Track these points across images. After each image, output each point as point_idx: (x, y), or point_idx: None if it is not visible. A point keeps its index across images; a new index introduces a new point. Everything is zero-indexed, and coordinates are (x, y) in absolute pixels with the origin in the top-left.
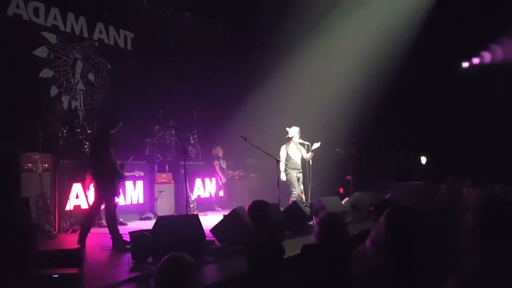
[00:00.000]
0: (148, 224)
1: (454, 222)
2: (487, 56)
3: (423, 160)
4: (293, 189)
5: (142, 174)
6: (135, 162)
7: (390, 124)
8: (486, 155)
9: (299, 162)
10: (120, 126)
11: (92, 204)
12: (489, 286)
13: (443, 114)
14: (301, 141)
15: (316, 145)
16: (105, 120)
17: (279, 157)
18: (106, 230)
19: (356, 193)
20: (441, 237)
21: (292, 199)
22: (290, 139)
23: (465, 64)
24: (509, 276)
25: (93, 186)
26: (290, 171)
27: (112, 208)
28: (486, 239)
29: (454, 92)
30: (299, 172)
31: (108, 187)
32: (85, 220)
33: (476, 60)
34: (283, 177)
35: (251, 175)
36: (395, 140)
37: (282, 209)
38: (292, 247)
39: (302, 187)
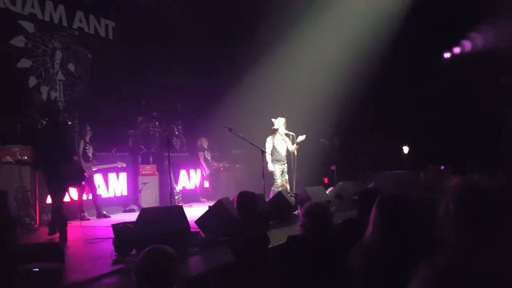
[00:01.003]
0: (132, 217)
1: (432, 211)
2: (467, 45)
3: (406, 149)
4: (275, 180)
5: (124, 165)
6: (118, 153)
7: (373, 115)
8: (467, 145)
9: (284, 153)
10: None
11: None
12: (457, 280)
13: (426, 105)
14: (286, 132)
15: (301, 138)
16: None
17: (265, 148)
18: (88, 222)
19: (340, 183)
20: (421, 227)
21: (274, 189)
22: (276, 130)
23: (447, 54)
24: (481, 271)
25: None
26: (275, 164)
27: (55, 204)
28: (462, 230)
29: (436, 82)
30: (283, 164)
31: (51, 184)
32: (54, 217)
33: (457, 50)
34: (270, 167)
35: (236, 166)
36: (378, 130)
37: (267, 199)
38: (277, 237)
39: (287, 177)
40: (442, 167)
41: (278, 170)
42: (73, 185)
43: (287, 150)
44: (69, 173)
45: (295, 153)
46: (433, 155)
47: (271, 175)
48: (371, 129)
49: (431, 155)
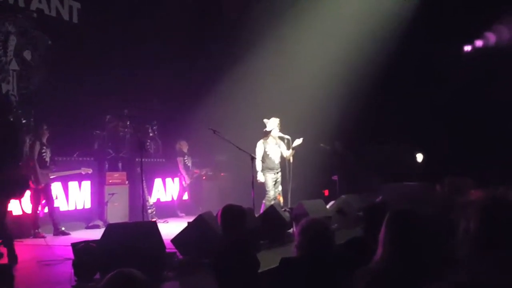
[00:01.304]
0: (96, 234)
1: (450, 230)
2: (491, 38)
3: (419, 157)
4: (267, 191)
5: (90, 171)
6: (81, 158)
7: (382, 117)
8: (490, 152)
9: (277, 160)
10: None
11: None
12: None
13: (443, 106)
14: (281, 134)
15: (298, 142)
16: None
17: (255, 154)
18: (43, 241)
19: (343, 196)
20: (437, 248)
21: (266, 202)
22: (268, 133)
23: (468, 48)
24: None
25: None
26: (266, 172)
27: None
28: (485, 251)
29: (455, 80)
30: (277, 173)
31: None
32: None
33: (479, 43)
34: (260, 177)
35: (221, 174)
36: (388, 134)
37: (257, 214)
38: (269, 260)
39: (280, 188)
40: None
41: (271, 180)
42: (15, 196)
43: (281, 157)
44: (9, 181)
45: (291, 160)
46: (451, 164)
47: (262, 185)
48: (379, 133)
49: (448, 164)
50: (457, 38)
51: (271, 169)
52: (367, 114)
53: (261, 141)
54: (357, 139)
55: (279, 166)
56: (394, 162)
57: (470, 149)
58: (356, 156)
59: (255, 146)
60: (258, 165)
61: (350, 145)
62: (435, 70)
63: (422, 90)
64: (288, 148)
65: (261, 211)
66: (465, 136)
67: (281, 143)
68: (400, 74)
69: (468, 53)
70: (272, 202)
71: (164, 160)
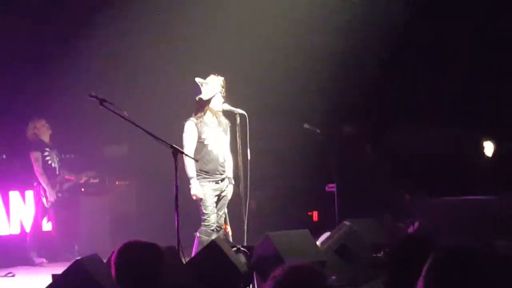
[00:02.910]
0: None
1: None
2: None
3: (489, 148)
4: (206, 214)
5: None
6: None
7: (418, 85)
8: None
9: (222, 156)
10: None
11: None
12: None
13: None
14: (229, 107)
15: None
16: None
17: (181, 145)
18: None
19: (347, 222)
20: None
21: (201, 236)
22: (204, 104)
23: None
24: None
25: None
26: (202, 180)
27: None
28: None
29: None
30: (221, 180)
31: None
32: None
33: None
34: (195, 190)
35: (116, 183)
36: (429, 113)
37: (185, 258)
38: None
39: (225, 210)
40: None
41: (211, 195)
42: None
43: (231, 149)
44: None
45: (249, 156)
46: None
47: (194, 204)
48: (412, 110)
49: None
50: None
51: (211, 173)
52: (388, 77)
53: (192, 120)
54: (374, 120)
55: (224, 166)
56: (440, 158)
57: None
58: (370, 145)
59: (180, 131)
60: (190, 166)
61: (361, 131)
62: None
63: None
64: (245, 134)
65: (194, 251)
66: None
67: (227, 124)
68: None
69: None
70: (214, 236)
71: (4, 156)
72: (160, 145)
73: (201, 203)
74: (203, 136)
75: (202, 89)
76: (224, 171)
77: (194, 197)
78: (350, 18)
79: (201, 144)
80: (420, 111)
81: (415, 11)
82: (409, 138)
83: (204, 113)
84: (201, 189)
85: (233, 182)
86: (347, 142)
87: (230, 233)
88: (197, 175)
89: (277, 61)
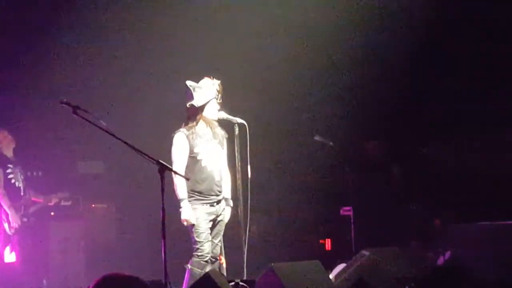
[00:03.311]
0: None
1: None
2: None
3: None
4: (199, 243)
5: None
6: None
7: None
8: None
9: (217, 173)
10: None
11: None
12: None
13: None
14: (226, 116)
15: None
16: None
17: (169, 161)
18: None
19: (365, 252)
20: None
21: (192, 269)
22: (197, 111)
23: None
24: None
25: None
26: (195, 203)
27: None
28: None
29: None
30: (216, 203)
31: None
32: None
33: None
34: (186, 214)
35: (93, 205)
36: (462, 122)
37: None
38: None
39: (220, 238)
40: None
41: (205, 219)
42: None
43: (228, 165)
44: None
45: (249, 175)
46: None
47: (185, 230)
48: (446, 125)
49: None
50: None
51: (205, 194)
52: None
53: (182, 131)
54: (400, 134)
55: (221, 185)
56: (473, 172)
57: None
58: (400, 168)
59: (168, 145)
60: (180, 186)
61: (386, 147)
62: None
63: None
64: (245, 148)
65: (184, 286)
66: None
67: (224, 136)
68: None
69: None
70: (208, 268)
71: None
72: (144, 161)
73: (193, 230)
74: (195, 150)
75: (194, 94)
76: (220, 192)
77: (185, 223)
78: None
79: (193, 160)
80: (456, 125)
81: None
82: (441, 154)
83: (197, 123)
84: (193, 213)
85: (231, 204)
86: (368, 158)
87: (224, 265)
88: (189, 197)
89: (283, 61)
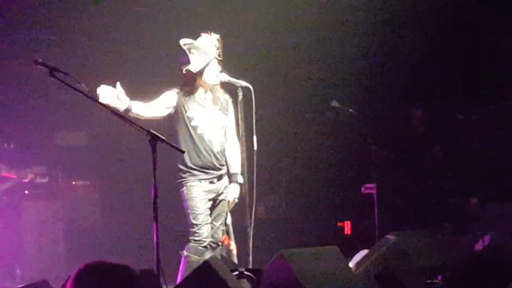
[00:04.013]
0: None
1: None
2: None
3: None
4: (195, 225)
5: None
6: None
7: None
8: None
9: (217, 143)
10: None
11: None
12: None
13: None
14: (228, 78)
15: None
16: None
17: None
18: None
19: (390, 236)
20: None
21: (188, 256)
22: (195, 77)
23: None
24: None
25: None
26: (191, 179)
27: None
28: None
29: None
30: (217, 179)
31: None
32: None
33: None
34: (191, 188)
35: (73, 183)
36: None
37: (171, 286)
38: None
39: (228, 220)
40: None
41: (203, 198)
42: None
43: (230, 138)
44: None
45: (255, 146)
46: None
47: (181, 211)
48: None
49: None
50: None
51: (203, 168)
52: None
53: (174, 91)
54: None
55: (222, 160)
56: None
57: None
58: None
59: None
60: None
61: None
62: None
63: None
64: (250, 116)
65: (180, 276)
66: None
67: (228, 101)
68: None
69: None
70: (207, 255)
71: None
72: (132, 131)
73: (189, 211)
74: (189, 114)
75: (191, 56)
76: (222, 166)
77: (185, 199)
78: None
79: (186, 127)
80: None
81: None
82: (479, 122)
83: (196, 89)
84: (188, 187)
85: (239, 180)
86: (410, 130)
87: (234, 251)
88: (183, 172)
89: (293, 13)
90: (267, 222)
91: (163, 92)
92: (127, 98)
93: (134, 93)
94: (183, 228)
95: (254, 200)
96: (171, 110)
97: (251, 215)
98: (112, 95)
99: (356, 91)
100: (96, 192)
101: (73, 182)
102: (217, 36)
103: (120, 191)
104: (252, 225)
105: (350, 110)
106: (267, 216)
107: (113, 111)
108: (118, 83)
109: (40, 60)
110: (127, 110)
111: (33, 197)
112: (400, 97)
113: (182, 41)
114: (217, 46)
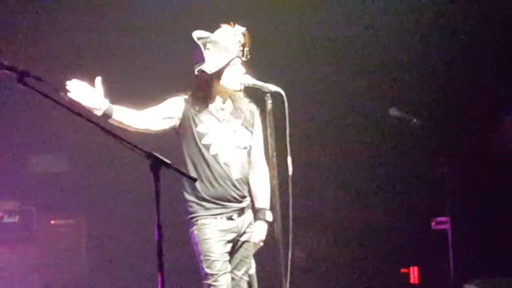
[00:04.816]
0: None
1: None
2: None
3: None
4: (210, 276)
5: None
6: None
7: None
8: None
9: (237, 167)
10: None
11: None
12: None
13: None
14: (254, 82)
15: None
16: None
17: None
18: None
19: (469, 286)
20: None
21: None
22: (211, 80)
23: None
24: None
25: None
26: (203, 216)
27: None
28: None
29: None
30: (237, 213)
31: None
32: None
33: None
34: (201, 226)
35: (52, 222)
36: None
37: None
38: None
39: (253, 268)
40: None
41: (219, 241)
42: None
43: (256, 161)
44: None
45: (290, 170)
46: None
47: (192, 256)
48: None
49: None
50: None
51: (218, 199)
52: None
53: (182, 98)
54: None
55: (245, 190)
56: None
57: None
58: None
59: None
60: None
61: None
62: None
63: None
64: (283, 131)
65: None
66: None
67: (255, 113)
68: None
69: None
70: None
71: None
72: (128, 153)
73: (202, 257)
74: (200, 129)
75: (206, 53)
76: (243, 197)
77: (195, 241)
78: None
79: (196, 145)
80: None
81: None
82: None
83: (211, 97)
84: (199, 230)
85: (267, 217)
86: (485, 145)
87: None
88: (193, 205)
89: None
90: (308, 271)
91: (167, 99)
92: (105, 100)
93: (130, 99)
94: (195, 277)
95: (290, 242)
96: (174, 123)
97: (286, 258)
98: (85, 92)
99: (418, 96)
100: (81, 234)
101: (52, 221)
102: (243, 29)
103: (112, 232)
104: (289, 270)
105: (414, 120)
106: (307, 262)
107: (102, 127)
108: (97, 79)
109: (5, 62)
110: (106, 115)
111: (2, 240)
112: (485, 102)
113: (196, 34)
114: (242, 42)
